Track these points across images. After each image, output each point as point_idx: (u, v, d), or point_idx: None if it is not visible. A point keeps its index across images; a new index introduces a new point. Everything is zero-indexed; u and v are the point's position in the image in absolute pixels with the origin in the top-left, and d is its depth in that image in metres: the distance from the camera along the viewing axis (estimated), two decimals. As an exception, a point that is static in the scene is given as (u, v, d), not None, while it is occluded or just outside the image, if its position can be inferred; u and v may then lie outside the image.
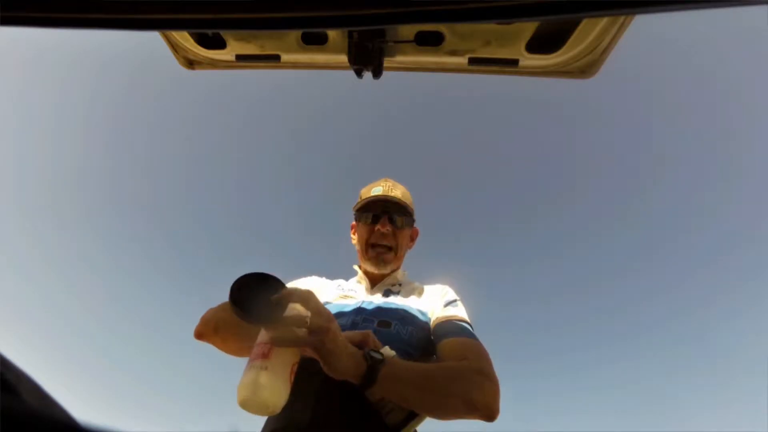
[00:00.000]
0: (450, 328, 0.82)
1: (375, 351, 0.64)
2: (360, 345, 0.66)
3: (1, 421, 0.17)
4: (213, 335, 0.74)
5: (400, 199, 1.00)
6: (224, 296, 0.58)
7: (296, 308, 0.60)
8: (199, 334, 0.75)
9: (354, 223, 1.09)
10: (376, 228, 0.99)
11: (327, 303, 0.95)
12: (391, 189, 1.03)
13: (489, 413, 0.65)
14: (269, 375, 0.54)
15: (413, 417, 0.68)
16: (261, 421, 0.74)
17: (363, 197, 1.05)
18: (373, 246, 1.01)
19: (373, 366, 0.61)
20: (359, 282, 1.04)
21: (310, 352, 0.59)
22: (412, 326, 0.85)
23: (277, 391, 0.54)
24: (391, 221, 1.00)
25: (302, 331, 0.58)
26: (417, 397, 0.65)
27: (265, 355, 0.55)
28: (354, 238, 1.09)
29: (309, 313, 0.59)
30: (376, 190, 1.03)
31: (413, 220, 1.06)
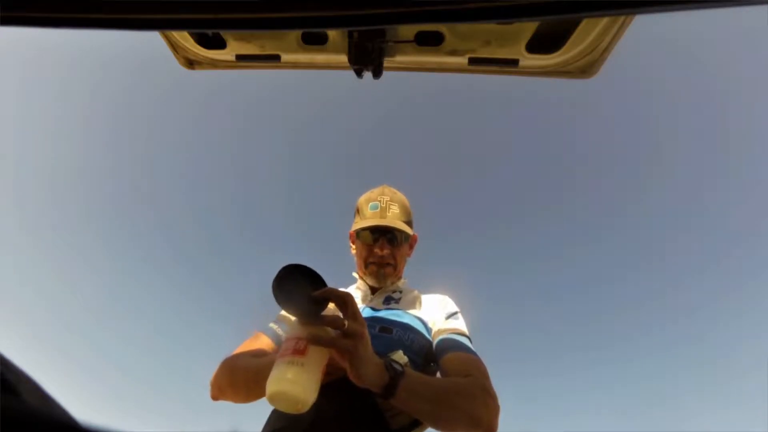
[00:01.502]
0: (453, 342, 0.83)
1: (394, 361, 0.65)
2: None
3: (1, 421, 0.17)
4: (221, 395, 0.77)
5: (396, 224, 0.97)
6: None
7: (333, 309, 0.60)
8: (215, 398, 0.78)
9: (352, 231, 1.06)
10: (374, 250, 0.98)
11: None
12: (389, 205, 1.00)
13: (489, 430, 0.68)
14: (305, 372, 0.53)
15: (417, 425, 0.69)
16: (261, 421, 0.75)
17: (360, 211, 1.03)
18: (372, 263, 1.00)
19: (395, 377, 0.61)
20: (359, 289, 1.03)
21: (337, 355, 0.58)
22: (413, 333, 0.85)
23: (310, 389, 0.53)
24: (390, 242, 0.99)
25: (337, 333, 0.58)
26: (427, 410, 0.66)
27: (301, 352, 0.54)
28: (353, 247, 1.07)
29: (344, 315, 0.59)
30: (373, 207, 1.00)
31: (411, 233, 1.03)
